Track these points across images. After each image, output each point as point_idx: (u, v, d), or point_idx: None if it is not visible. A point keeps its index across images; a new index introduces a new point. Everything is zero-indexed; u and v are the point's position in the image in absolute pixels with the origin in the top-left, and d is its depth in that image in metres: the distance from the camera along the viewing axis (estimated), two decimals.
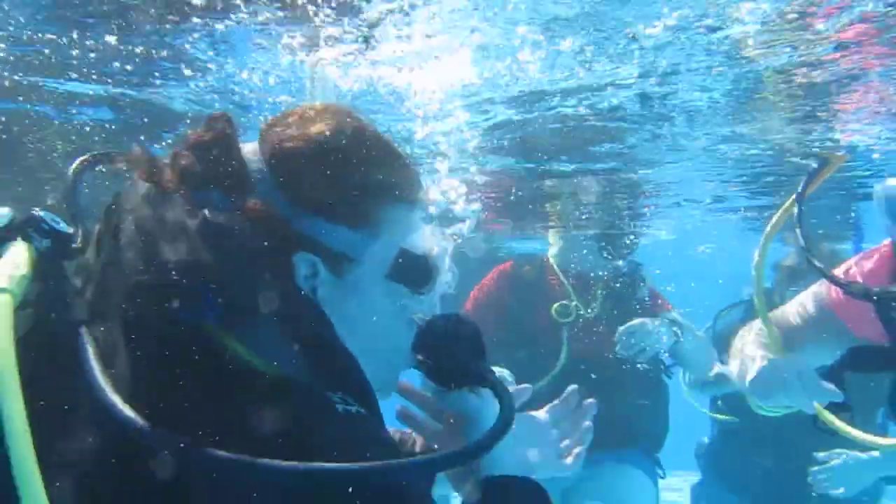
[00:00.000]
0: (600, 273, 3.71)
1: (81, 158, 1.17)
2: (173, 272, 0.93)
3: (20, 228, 1.05)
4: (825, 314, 1.95)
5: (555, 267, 3.84)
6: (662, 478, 3.66)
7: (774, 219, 1.98)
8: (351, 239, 1.07)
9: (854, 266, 1.87)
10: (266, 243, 1.00)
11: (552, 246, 4.03)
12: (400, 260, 1.12)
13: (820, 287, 1.97)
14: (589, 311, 3.64)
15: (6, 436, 0.84)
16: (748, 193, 5.01)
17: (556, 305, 3.65)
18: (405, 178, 1.14)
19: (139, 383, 0.90)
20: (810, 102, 2.85)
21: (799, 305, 2.04)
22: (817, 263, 1.76)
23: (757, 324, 2.04)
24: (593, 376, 3.42)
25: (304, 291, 1.03)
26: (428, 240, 1.17)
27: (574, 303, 3.65)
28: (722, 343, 3.75)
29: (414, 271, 1.14)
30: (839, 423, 1.86)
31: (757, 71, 2.45)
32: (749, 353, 1.96)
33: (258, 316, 0.97)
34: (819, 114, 2.95)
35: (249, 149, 1.08)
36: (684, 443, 4.15)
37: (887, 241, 1.78)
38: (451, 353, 1.22)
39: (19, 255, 1.00)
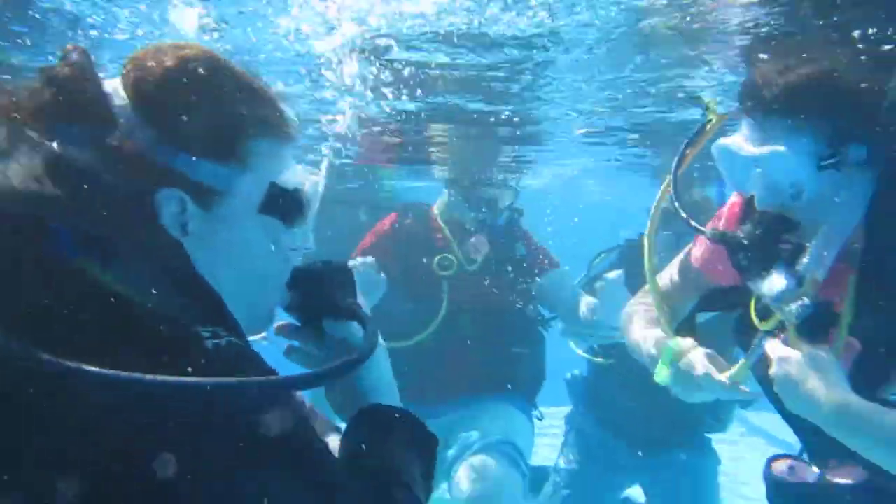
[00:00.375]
0: (481, 226, 3.73)
1: None
2: (29, 206, 0.96)
3: None
4: (693, 273, 2.08)
5: (438, 219, 3.84)
6: (540, 419, 3.82)
7: (660, 192, 2.05)
8: (219, 173, 1.09)
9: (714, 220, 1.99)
10: (128, 178, 1.02)
11: (440, 196, 4.01)
12: (271, 194, 1.15)
13: (686, 251, 2.12)
14: (470, 265, 3.68)
15: None
16: (631, 142, 5.12)
17: (437, 258, 3.66)
18: (272, 112, 1.16)
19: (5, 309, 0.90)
20: (694, 48, 2.88)
21: (671, 272, 2.17)
22: (682, 213, 1.84)
23: (647, 297, 2.13)
24: (472, 328, 3.54)
25: (169, 227, 1.06)
26: (299, 175, 1.19)
27: (455, 257, 3.66)
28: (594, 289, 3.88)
29: (286, 205, 1.16)
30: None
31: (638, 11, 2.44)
32: (643, 336, 2.07)
33: (121, 251, 0.99)
34: (707, 57, 2.98)
35: (111, 84, 1.08)
36: (561, 383, 4.28)
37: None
38: (321, 291, 1.27)
39: None
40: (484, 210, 3.76)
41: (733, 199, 1.90)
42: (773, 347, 1.64)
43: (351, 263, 3.35)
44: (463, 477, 3.30)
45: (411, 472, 1.13)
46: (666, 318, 2.04)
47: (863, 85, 1.56)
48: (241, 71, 1.16)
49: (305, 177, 1.20)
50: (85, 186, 0.99)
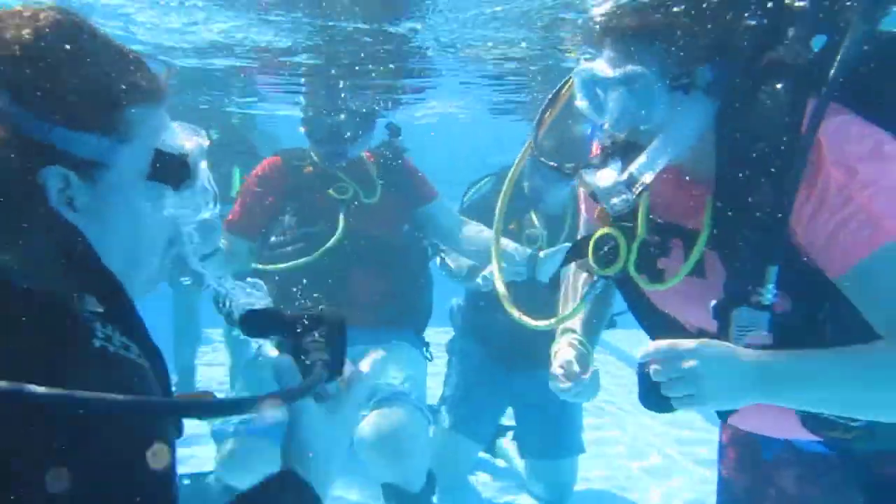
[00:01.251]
0: (331, 157, 3.82)
1: None
2: None
3: None
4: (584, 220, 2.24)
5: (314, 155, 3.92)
6: (430, 360, 3.99)
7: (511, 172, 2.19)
8: (99, 144, 1.07)
9: None
10: (6, 160, 0.99)
11: None
12: (157, 161, 1.14)
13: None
14: (368, 198, 3.79)
15: None
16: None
17: (335, 186, 3.75)
18: (142, 75, 1.14)
19: None
20: None
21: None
22: (550, 162, 1.98)
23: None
24: (367, 255, 3.67)
25: (56, 205, 1.03)
26: (181, 137, 1.19)
27: (351, 186, 3.76)
28: (472, 214, 4.04)
29: (173, 170, 1.16)
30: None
31: None
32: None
33: (11, 236, 0.96)
34: None
35: None
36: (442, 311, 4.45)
37: None
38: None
39: None
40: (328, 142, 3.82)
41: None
42: (652, 349, 1.65)
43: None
44: (368, 426, 3.37)
45: None
46: (500, 274, 2.18)
47: (710, 12, 1.65)
48: (103, 33, 1.11)
49: (188, 138, 1.20)
50: None
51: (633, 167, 1.70)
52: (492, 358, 4.37)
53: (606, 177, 1.72)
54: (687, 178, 1.84)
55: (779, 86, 1.63)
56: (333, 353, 1.24)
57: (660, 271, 1.84)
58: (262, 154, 4.73)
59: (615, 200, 1.71)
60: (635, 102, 1.69)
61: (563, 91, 2.01)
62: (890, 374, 1.57)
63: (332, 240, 3.65)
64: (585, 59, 1.80)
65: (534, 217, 4.18)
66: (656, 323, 1.99)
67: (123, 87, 1.10)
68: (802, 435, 1.87)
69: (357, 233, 3.71)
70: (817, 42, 1.75)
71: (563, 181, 3.38)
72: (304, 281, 3.61)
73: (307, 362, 1.21)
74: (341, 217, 3.70)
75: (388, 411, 3.41)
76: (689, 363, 1.58)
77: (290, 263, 3.63)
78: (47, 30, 1.04)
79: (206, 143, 1.24)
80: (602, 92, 1.76)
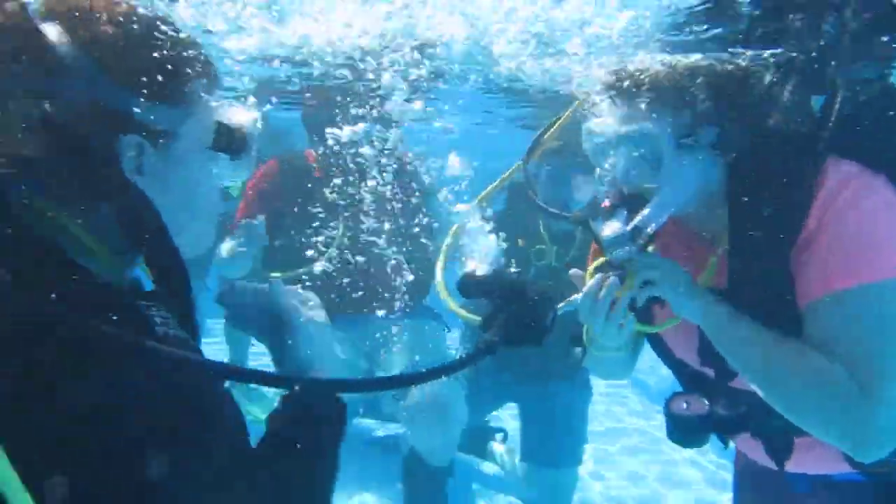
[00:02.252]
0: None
1: None
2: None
3: None
4: None
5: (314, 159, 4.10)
6: (448, 331, 4.27)
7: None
8: (170, 116, 1.20)
9: None
10: (89, 126, 1.10)
11: None
12: (219, 132, 1.28)
13: None
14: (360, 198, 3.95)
15: None
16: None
17: (332, 185, 3.91)
18: (202, 57, 1.28)
19: None
20: None
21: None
22: (544, 206, 2.15)
23: None
24: (370, 253, 3.87)
25: (126, 170, 1.15)
26: (237, 113, 1.32)
27: (347, 188, 3.94)
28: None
29: (233, 141, 1.30)
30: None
31: None
32: None
33: (88, 200, 1.09)
34: None
35: (53, 32, 1.11)
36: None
37: None
38: None
39: None
40: (315, 137, 3.99)
41: None
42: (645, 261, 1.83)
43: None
44: (414, 392, 3.68)
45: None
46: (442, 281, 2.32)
47: (720, 73, 1.77)
48: (171, 21, 1.25)
49: (245, 114, 1.33)
50: (48, 138, 1.07)
51: (637, 219, 1.80)
52: (498, 369, 4.32)
53: (612, 227, 1.81)
54: (691, 229, 1.94)
55: (784, 146, 1.73)
56: (507, 327, 1.40)
57: (650, 314, 1.99)
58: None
59: (620, 251, 1.81)
60: (641, 157, 1.79)
61: (559, 121, 2.12)
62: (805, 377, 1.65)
63: (335, 242, 3.86)
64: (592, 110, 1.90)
65: (542, 232, 4.11)
66: (665, 355, 2.12)
67: (188, 64, 1.24)
68: (843, 469, 1.93)
69: (360, 228, 3.90)
70: (817, 101, 1.83)
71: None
72: (318, 283, 3.80)
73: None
74: (341, 219, 3.91)
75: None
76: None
77: (303, 269, 3.84)
78: (128, 16, 1.18)
79: (259, 118, 1.37)
80: (609, 145, 1.85)
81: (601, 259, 1.92)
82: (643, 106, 1.77)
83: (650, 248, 1.95)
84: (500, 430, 4.77)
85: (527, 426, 4.44)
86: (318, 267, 3.83)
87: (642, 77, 1.77)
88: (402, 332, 4.07)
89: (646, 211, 1.80)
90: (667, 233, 1.94)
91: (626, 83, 1.79)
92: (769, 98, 1.79)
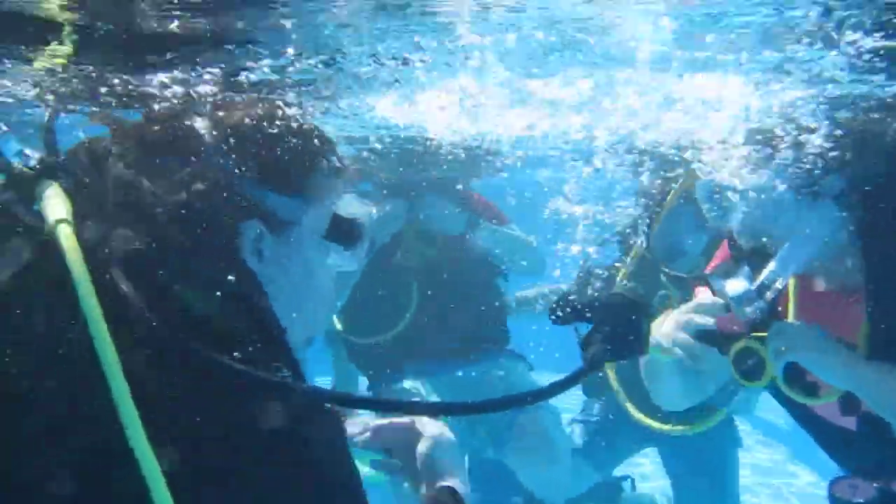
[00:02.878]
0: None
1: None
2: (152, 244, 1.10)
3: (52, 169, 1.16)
4: None
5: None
6: (532, 369, 4.24)
7: None
8: (291, 205, 1.25)
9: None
10: (218, 210, 1.16)
11: None
12: (335, 223, 1.33)
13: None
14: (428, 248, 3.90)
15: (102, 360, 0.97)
16: None
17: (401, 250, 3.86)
18: (328, 151, 1.33)
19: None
20: None
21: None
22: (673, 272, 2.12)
23: None
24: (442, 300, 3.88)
25: (247, 254, 1.21)
26: (353, 205, 1.37)
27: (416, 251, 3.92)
28: None
29: (346, 232, 1.34)
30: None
31: None
32: None
33: (206, 278, 1.12)
34: None
35: (200, 125, 1.23)
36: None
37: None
38: None
39: (58, 192, 1.11)
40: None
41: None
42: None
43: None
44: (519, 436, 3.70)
45: None
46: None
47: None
48: (301, 117, 1.34)
49: (359, 207, 1.39)
50: (181, 218, 1.14)
51: (763, 275, 1.73)
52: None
53: (737, 286, 1.74)
54: (828, 285, 1.84)
55: None
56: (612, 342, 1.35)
57: (812, 384, 1.82)
58: None
59: (748, 309, 1.73)
60: (761, 211, 1.74)
61: (671, 195, 2.11)
62: None
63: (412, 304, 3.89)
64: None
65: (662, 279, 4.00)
66: (818, 428, 1.98)
67: (317, 158, 1.30)
68: None
69: (433, 288, 3.90)
70: None
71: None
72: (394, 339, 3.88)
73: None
74: (413, 279, 3.90)
75: (533, 422, 3.69)
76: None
77: (378, 338, 3.91)
78: (262, 114, 1.26)
79: (373, 211, 1.43)
80: (727, 201, 1.80)
81: (742, 343, 1.80)
82: (756, 158, 1.74)
83: (792, 315, 1.86)
84: (626, 477, 4.44)
85: (675, 474, 4.15)
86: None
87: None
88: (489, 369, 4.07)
89: (772, 266, 1.73)
90: (805, 293, 1.84)
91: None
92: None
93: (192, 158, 1.18)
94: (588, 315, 1.39)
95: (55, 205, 1.08)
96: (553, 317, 1.46)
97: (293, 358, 1.18)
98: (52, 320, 1.02)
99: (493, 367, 4.09)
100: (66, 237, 1.04)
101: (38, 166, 1.16)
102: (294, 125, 1.30)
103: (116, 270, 1.04)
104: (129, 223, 1.11)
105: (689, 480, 4.04)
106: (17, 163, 1.18)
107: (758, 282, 1.74)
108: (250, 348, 1.09)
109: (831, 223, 1.74)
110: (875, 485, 1.84)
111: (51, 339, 1.01)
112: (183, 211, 1.14)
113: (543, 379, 4.24)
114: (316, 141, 1.32)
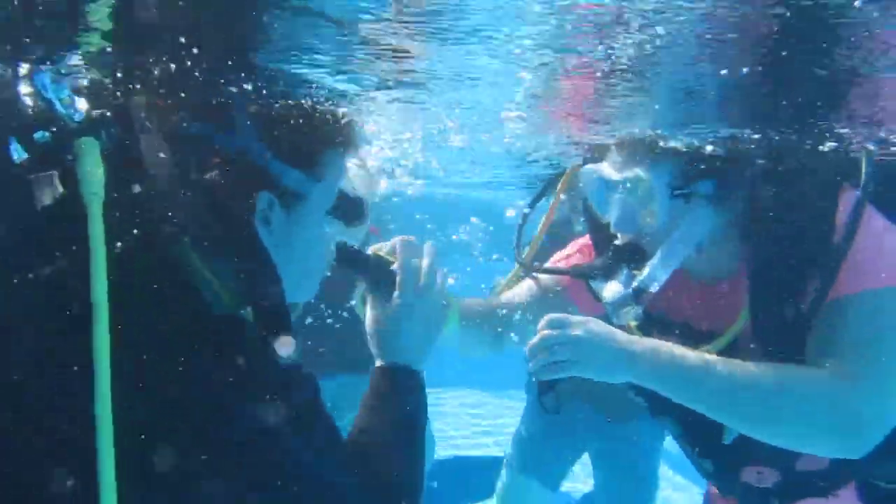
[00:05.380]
0: None
1: None
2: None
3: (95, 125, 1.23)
4: (552, 293, 2.19)
5: None
6: None
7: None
8: (303, 180, 1.32)
9: (570, 251, 2.23)
10: (237, 179, 1.25)
11: None
12: (340, 200, 1.40)
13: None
14: None
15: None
16: None
17: None
18: (343, 127, 1.41)
19: None
20: None
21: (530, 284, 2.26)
22: (533, 263, 2.13)
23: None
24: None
25: (258, 223, 1.29)
26: (358, 183, 1.45)
27: None
28: None
29: (351, 209, 1.42)
30: None
31: None
32: None
33: (221, 244, 1.24)
34: None
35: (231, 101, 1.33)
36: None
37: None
38: None
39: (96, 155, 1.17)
40: None
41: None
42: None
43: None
44: None
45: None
46: None
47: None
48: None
49: (364, 185, 1.45)
50: (204, 191, 1.23)
51: (638, 280, 1.75)
52: (582, 399, 3.78)
53: (614, 290, 1.78)
54: (699, 280, 1.89)
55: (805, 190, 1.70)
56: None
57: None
58: None
59: (625, 311, 1.76)
60: (637, 205, 1.77)
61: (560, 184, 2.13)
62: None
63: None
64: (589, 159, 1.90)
65: None
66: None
67: (329, 135, 1.38)
68: None
69: None
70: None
71: None
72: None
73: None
74: None
75: None
76: (576, 331, 1.69)
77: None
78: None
79: (382, 188, 1.50)
80: (607, 192, 1.83)
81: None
82: (637, 156, 1.77)
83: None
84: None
85: (602, 473, 4.11)
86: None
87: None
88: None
89: (647, 270, 1.75)
90: (676, 288, 1.86)
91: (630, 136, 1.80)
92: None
93: (223, 133, 1.26)
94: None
95: (90, 174, 1.14)
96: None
97: (288, 314, 1.28)
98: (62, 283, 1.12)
99: None
100: (95, 217, 1.10)
101: (80, 123, 1.24)
102: (311, 105, 1.42)
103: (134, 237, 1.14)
104: (160, 187, 1.20)
105: (616, 485, 4.01)
106: (62, 113, 1.26)
107: (633, 286, 1.76)
108: (253, 303, 1.22)
109: (704, 222, 1.76)
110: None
111: (54, 293, 1.12)
112: (208, 176, 1.23)
113: None
114: (330, 120, 1.40)
